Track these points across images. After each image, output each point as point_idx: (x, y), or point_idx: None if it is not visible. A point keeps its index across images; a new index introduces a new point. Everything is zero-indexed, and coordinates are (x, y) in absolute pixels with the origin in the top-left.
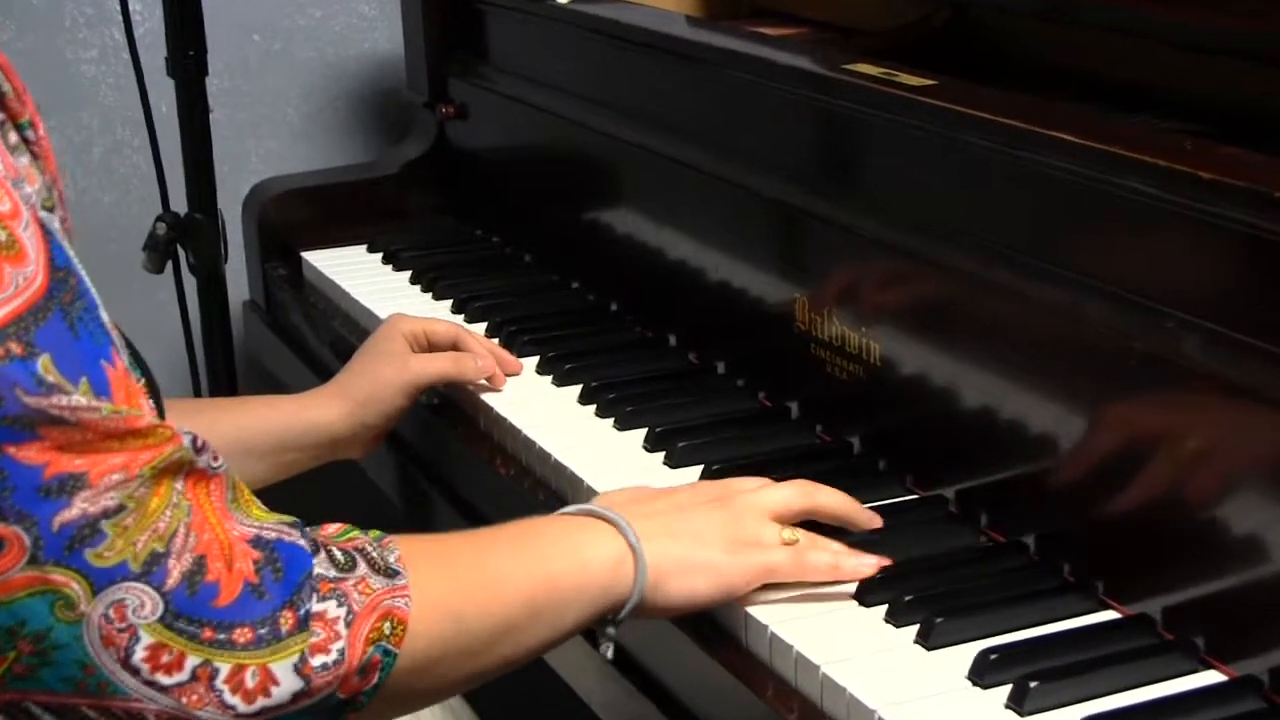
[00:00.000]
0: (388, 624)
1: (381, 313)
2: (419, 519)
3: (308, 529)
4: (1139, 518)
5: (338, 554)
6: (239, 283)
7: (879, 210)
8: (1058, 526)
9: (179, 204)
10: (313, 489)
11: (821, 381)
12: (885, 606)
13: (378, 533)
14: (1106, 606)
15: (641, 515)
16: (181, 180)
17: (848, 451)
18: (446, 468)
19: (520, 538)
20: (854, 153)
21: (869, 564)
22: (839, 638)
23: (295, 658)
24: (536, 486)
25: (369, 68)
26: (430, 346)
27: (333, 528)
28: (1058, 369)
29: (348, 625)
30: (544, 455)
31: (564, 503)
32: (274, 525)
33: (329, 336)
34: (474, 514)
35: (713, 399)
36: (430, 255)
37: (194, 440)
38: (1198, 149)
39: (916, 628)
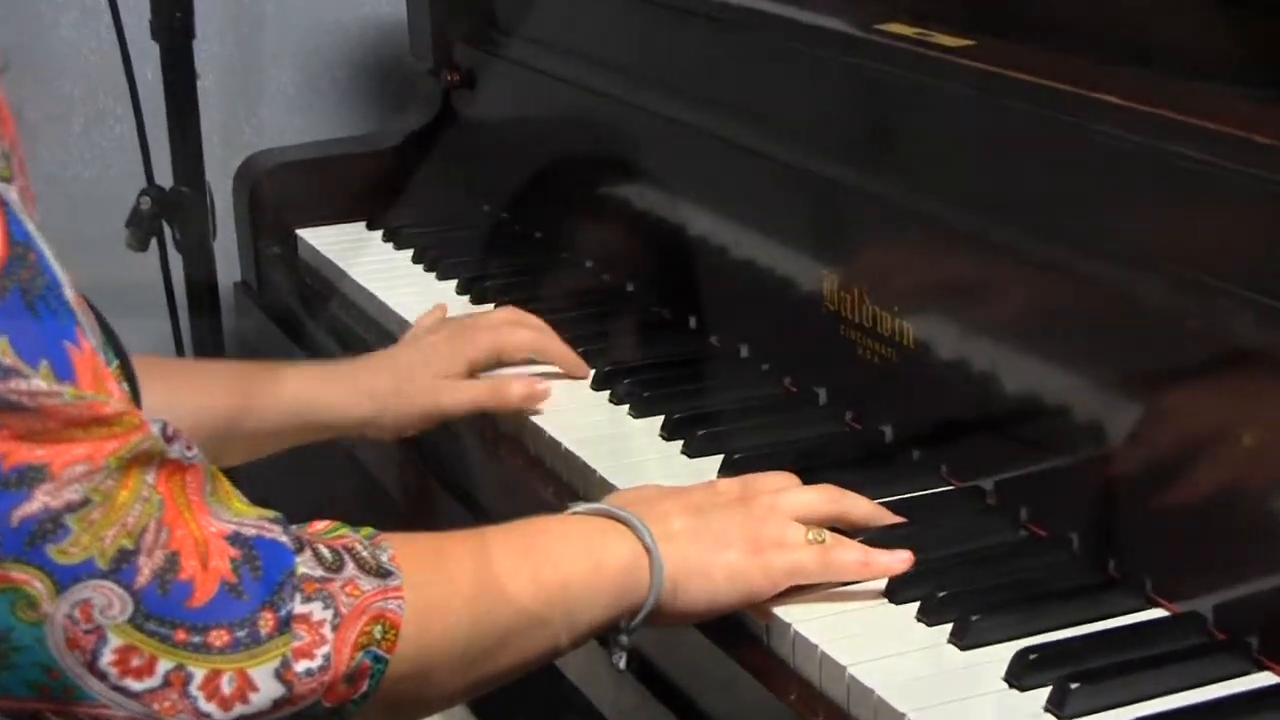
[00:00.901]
0: (378, 628)
1: (381, 294)
2: (419, 512)
3: (294, 526)
4: (1190, 509)
5: (325, 552)
6: (229, 262)
7: (912, 181)
8: (1103, 519)
9: (164, 178)
10: (303, 478)
11: (852, 365)
12: (917, 604)
13: (369, 530)
14: (1154, 604)
15: (657, 515)
16: (167, 152)
17: (879, 440)
18: (448, 457)
19: (527, 538)
20: (885, 119)
21: (902, 559)
22: (867, 637)
23: (276, 662)
24: (547, 478)
25: (369, 32)
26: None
27: (321, 524)
28: (1105, 351)
29: (334, 629)
30: (554, 444)
31: (575, 496)
32: (255, 521)
33: (326, 320)
34: (477, 508)
35: (735, 384)
36: (434, 232)
37: (164, 428)
38: (1254, 112)
39: (950, 626)
